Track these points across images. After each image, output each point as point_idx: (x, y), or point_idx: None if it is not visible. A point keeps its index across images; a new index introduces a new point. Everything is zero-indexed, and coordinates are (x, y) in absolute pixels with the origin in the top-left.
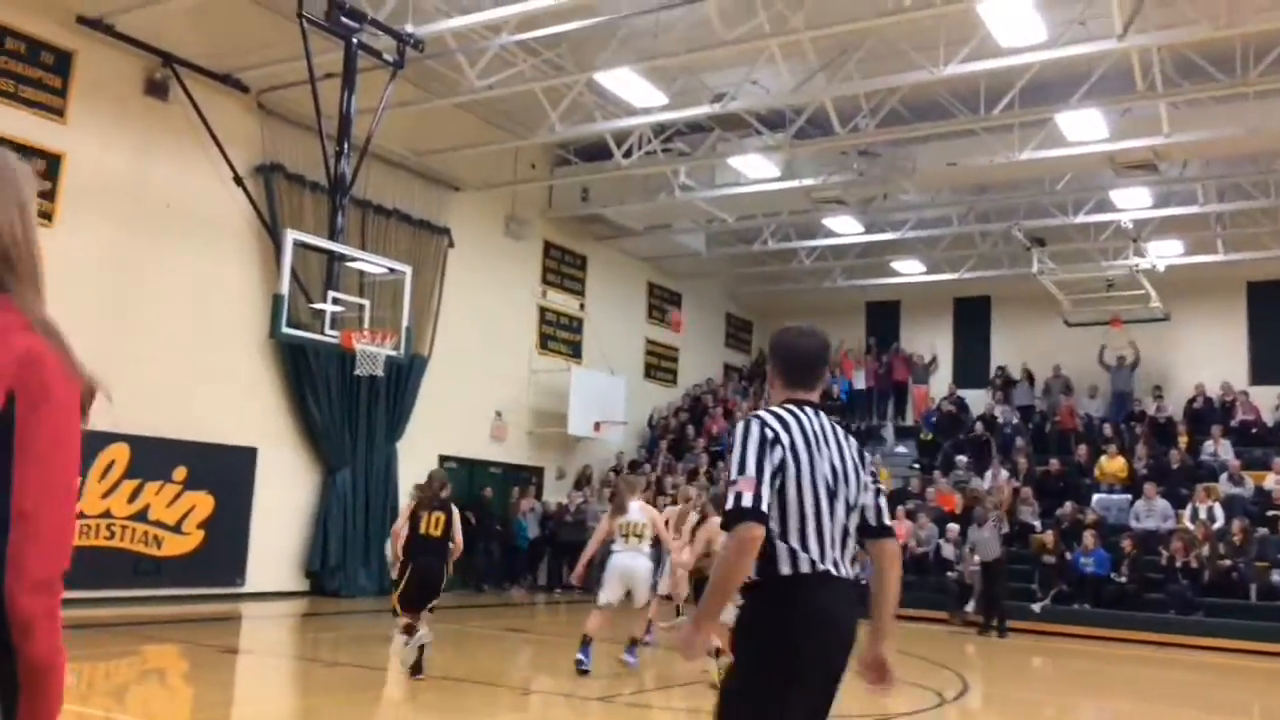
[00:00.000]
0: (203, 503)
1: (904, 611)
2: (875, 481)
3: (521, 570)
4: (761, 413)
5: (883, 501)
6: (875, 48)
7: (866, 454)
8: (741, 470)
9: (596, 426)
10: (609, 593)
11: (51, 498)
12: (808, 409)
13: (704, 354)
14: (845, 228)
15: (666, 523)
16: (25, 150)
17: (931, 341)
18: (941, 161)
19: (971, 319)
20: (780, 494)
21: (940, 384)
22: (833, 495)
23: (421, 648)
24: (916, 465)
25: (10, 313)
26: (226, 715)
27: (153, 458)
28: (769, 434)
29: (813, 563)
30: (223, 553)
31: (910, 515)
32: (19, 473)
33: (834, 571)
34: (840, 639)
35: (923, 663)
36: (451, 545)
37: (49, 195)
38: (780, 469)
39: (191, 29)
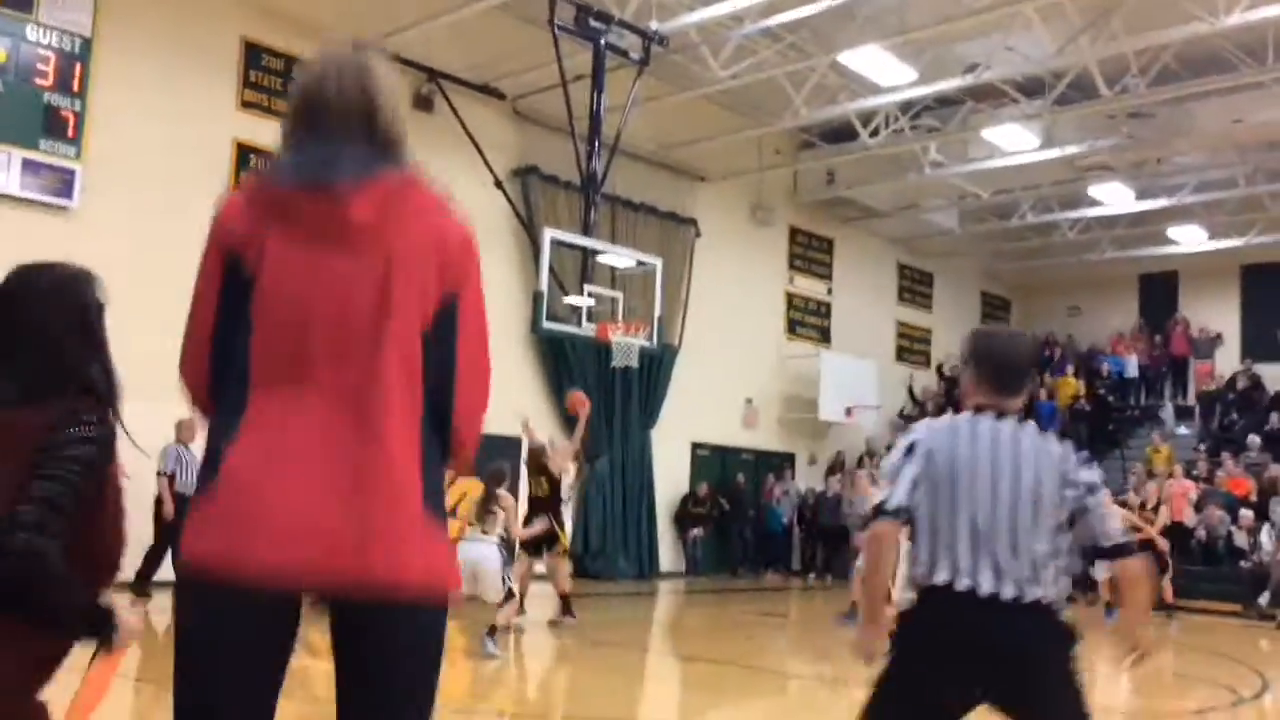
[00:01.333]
0: (475, 489)
1: (1191, 603)
2: (1088, 495)
3: (776, 555)
4: (925, 420)
5: (1106, 522)
6: (1143, 2)
7: (1081, 469)
8: (886, 474)
9: (848, 412)
10: None
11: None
12: (988, 416)
13: (958, 333)
14: (1114, 196)
15: None
16: None
17: (1215, 314)
18: (1225, 119)
19: (1262, 288)
20: (927, 502)
21: (1226, 359)
22: (995, 508)
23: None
24: (1201, 446)
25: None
26: (501, 690)
27: None
28: (917, 440)
29: (951, 577)
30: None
31: (1198, 506)
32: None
33: (981, 590)
34: (961, 660)
35: (1215, 656)
36: None
37: None
38: (923, 476)
39: (453, 44)
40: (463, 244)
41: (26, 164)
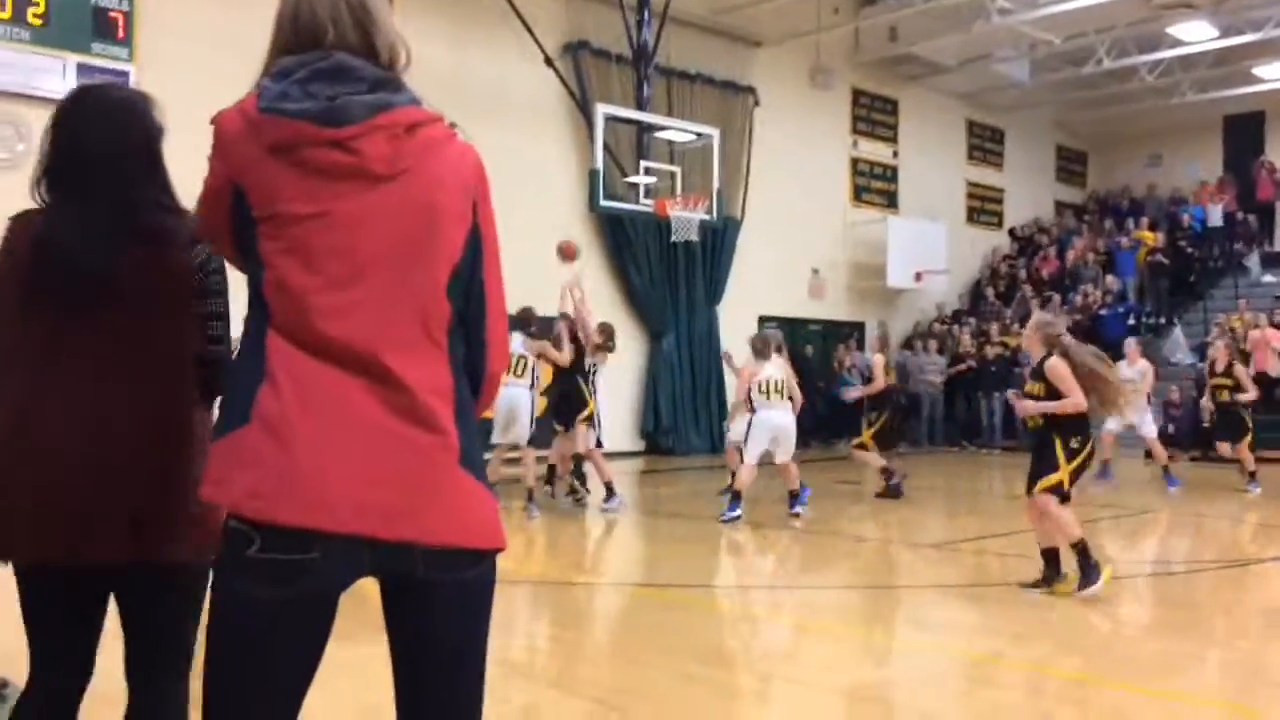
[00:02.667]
0: (544, 370)
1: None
2: None
3: (847, 425)
4: None
5: None
6: None
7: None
8: None
9: (918, 277)
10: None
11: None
12: None
13: (1032, 191)
14: (1195, 34)
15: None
16: None
17: None
18: None
19: None
20: None
21: None
22: None
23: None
24: None
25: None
26: (582, 561)
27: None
28: None
29: None
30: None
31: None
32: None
33: None
34: None
35: None
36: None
37: None
38: None
39: None
40: (476, 169)
41: (81, 68)
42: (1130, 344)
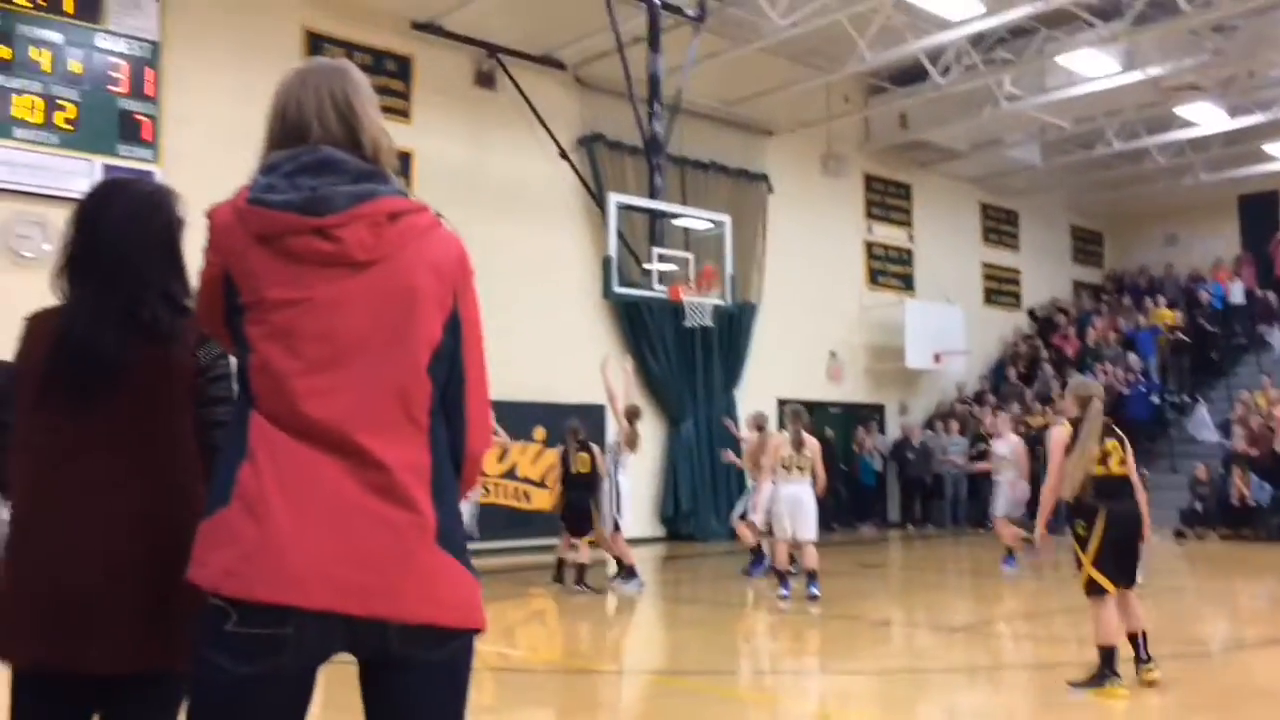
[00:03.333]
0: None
1: None
2: None
3: (870, 508)
4: None
5: None
6: None
7: None
8: None
9: (936, 358)
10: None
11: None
12: None
13: (1049, 272)
14: (1204, 116)
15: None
16: None
17: None
18: None
19: None
20: None
21: None
22: None
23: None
24: None
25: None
26: (603, 648)
27: (516, 420)
28: None
29: None
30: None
31: None
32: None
33: None
34: None
35: None
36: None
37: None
38: None
39: (510, 18)
40: (459, 258)
41: (108, 169)
42: (1002, 419)
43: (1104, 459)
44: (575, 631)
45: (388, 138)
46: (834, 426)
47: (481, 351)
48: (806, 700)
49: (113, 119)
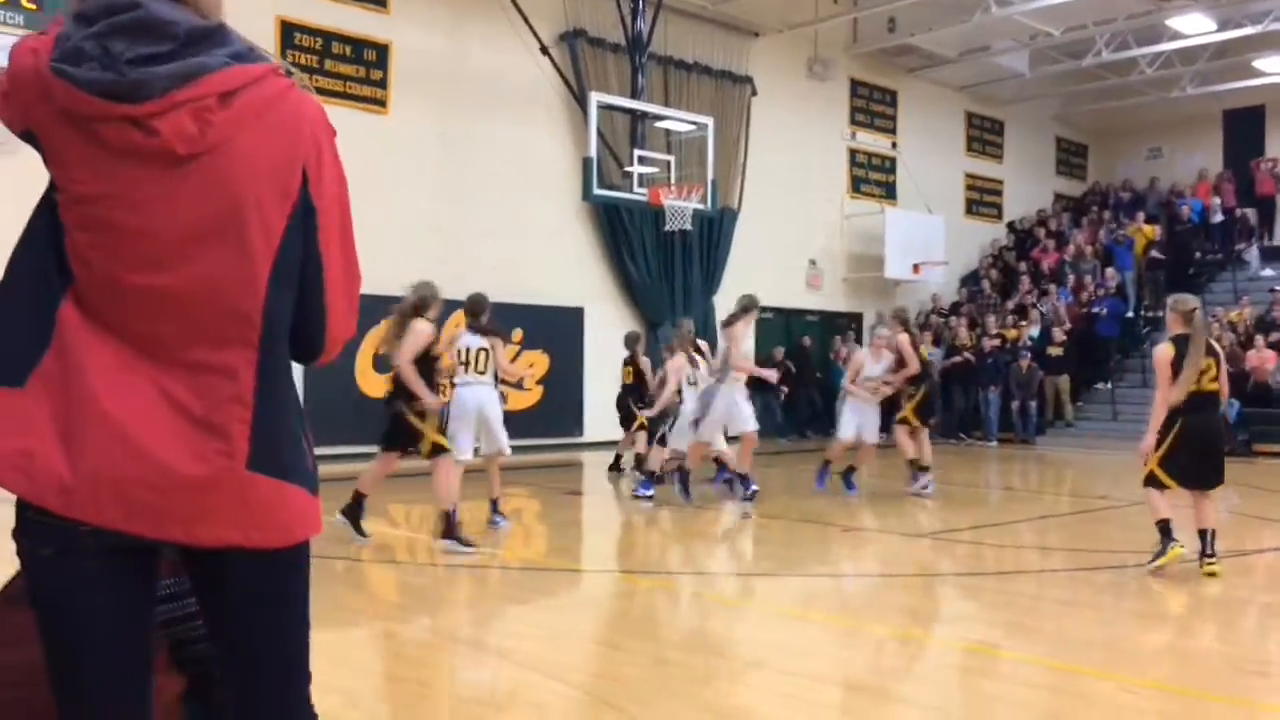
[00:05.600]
0: (539, 361)
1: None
2: None
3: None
4: None
5: None
6: None
7: None
8: None
9: (915, 269)
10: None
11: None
12: None
13: (1032, 184)
14: (1195, 27)
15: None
16: (359, 42)
17: None
18: None
19: None
20: None
21: None
22: None
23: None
24: None
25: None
26: (576, 548)
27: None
28: None
29: None
30: (561, 406)
31: (1276, 346)
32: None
33: None
34: None
35: None
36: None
37: (381, 83)
38: None
39: None
40: (312, 126)
41: None
42: (880, 333)
43: (1199, 375)
44: (549, 530)
45: None
46: (811, 334)
47: (343, 232)
48: (770, 601)
49: None
